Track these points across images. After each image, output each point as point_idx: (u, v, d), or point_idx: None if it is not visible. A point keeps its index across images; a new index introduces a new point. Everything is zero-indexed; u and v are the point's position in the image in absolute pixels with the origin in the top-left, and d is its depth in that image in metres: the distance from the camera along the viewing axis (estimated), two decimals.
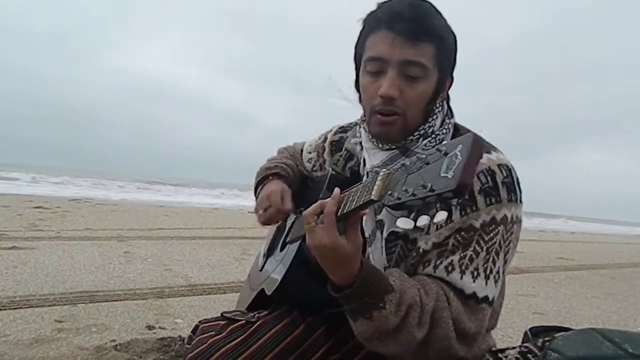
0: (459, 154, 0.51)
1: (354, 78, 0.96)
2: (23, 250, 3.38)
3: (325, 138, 1.23)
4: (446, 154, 0.53)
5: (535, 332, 1.00)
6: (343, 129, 1.20)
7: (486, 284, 0.82)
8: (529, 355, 0.79)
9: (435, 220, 0.55)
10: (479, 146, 0.51)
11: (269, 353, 0.90)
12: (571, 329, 0.89)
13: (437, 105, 0.93)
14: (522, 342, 0.93)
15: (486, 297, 0.82)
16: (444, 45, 0.86)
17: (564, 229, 17.53)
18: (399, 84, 0.85)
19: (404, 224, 0.59)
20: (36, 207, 6.28)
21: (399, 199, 0.56)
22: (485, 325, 0.84)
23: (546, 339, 0.81)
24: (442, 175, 0.51)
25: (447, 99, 0.97)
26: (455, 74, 0.94)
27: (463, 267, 0.81)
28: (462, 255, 0.81)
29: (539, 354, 0.78)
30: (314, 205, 0.75)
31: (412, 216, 0.59)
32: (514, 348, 0.83)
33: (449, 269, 0.81)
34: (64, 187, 13.16)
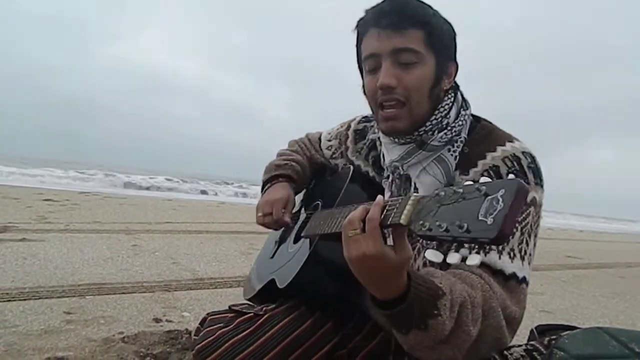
0: (500, 199, 0.48)
1: (361, 84, 0.99)
2: (33, 242, 3.42)
3: (349, 126, 1.24)
4: (486, 195, 0.50)
5: (542, 330, 1.00)
6: (367, 119, 1.21)
7: (522, 264, 0.81)
8: (534, 353, 0.79)
9: (468, 263, 0.52)
10: (524, 195, 0.48)
11: (276, 346, 0.91)
12: (578, 328, 0.88)
13: (449, 95, 0.94)
14: (528, 340, 0.93)
15: (524, 278, 0.81)
16: (432, 29, 0.88)
17: (572, 227, 17.40)
18: (394, 73, 0.88)
19: (432, 256, 0.57)
20: (45, 200, 6.33)
21: (430, 230, 0.53)
22: (525, 307, 0.82)
23: (552, 337, 0.81)
24: (480, 218, 0.48)
25: (457, 87, 0.97)
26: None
27: (500, 248, 0.80)
28: None
29: (544, 352, 0.78)
30: (359, 209, 0.68)
31: (441, 249, 0.58)
32: (519, 346, 0.83)
33: (486, 249, 0.80)
34: (73, 179, 13.22)
